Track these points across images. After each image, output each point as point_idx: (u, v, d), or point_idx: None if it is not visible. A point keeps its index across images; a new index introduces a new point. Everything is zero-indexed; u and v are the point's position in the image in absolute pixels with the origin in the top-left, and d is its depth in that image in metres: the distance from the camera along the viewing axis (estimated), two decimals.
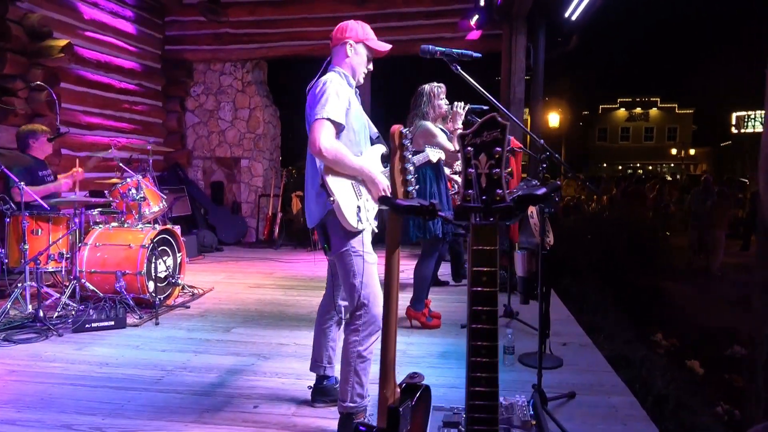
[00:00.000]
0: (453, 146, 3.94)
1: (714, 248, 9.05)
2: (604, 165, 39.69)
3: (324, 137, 2.22)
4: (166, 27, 8.27)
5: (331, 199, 2.24)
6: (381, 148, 2.58)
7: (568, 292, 6.40)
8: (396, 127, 1.16)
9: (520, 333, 3.94)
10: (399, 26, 7.58)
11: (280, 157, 9.31)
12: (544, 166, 2.53)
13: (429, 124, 3.96)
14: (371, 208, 2.40)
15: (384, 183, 2.36)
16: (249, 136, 8.52)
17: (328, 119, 2.25)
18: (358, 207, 2.31)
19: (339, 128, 2.31)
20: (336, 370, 2.68)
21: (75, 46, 6.28)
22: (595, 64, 28.18)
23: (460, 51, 2.45)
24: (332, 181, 2.27)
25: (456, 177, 4.90)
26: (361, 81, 2.56)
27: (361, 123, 2.48)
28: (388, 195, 2.07)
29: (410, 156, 1.14)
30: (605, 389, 3.00)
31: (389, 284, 1.17)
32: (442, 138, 3.92)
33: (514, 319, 4.20)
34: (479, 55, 2.45)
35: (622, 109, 40.98)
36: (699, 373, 4.83)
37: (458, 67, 2.48)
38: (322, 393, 2.73)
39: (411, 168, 1.14)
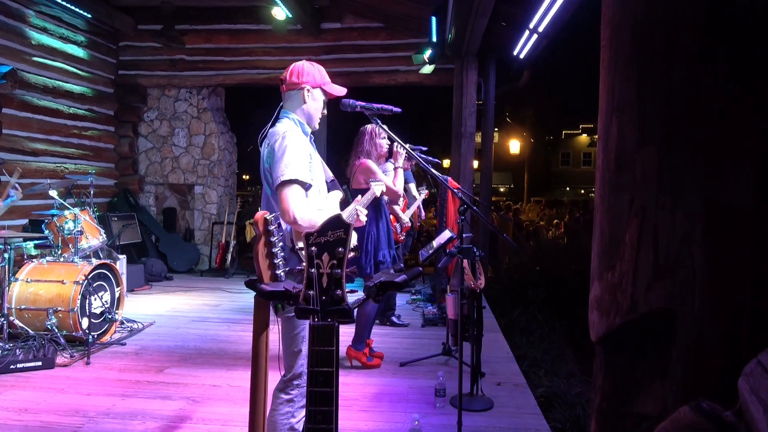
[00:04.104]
0: (392, 183, 4.04)
1: None
2: (567, 189, 40.60)
3: (296, 204, 2.04)
4: (120, 52, 8.18)
5: (304, 265, 2.04)
6: (338, 194, 2.46)
7: (516, 324, 6.48)
8: (260, 215, 1.17)
9: (458, 371, 3.96)
10: (354, 58, 7.67)
11: (235, 183, 9.23)
12: (463, 217, 2.60)
13: (369, 162, 4.06)
14: None
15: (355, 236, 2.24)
16: (204, 163, 8.44)
17: (296, 181, 2.07)
18: None
19: (306, 187, 2.13)
20: None
21: (21, 71, 6.16)
22: (558, 91, 28.99)
23: (380, 105, 2.51)
24: None
25: (398, 210, 5.07)
26: (317, 127, 2.37)
27: (320, 173, 2.33)
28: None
29: (277, 241, 1.16)
30: None
31: (257, 365, 1.18)
32: (381, 174, 4.02)
33: (451, 357, 4.23)
34: (399, 110, 2.51)
35: (584, 135, 42.14)
36: None
37: (378, 121, 2.54)
38: None
39: (278, 251, 1.15)
